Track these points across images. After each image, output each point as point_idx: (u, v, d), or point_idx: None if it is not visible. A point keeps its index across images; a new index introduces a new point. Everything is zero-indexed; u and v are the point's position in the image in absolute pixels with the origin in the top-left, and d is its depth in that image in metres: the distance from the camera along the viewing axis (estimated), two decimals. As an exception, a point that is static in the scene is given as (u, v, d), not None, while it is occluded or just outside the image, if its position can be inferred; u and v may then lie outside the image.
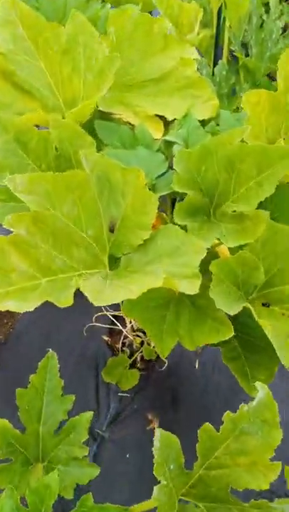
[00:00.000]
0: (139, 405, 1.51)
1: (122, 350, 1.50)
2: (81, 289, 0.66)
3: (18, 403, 0.83)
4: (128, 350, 1.55)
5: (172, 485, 0.71)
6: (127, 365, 1.36)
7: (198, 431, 0.75)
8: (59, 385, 0.85)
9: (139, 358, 1.51)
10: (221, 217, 0.84)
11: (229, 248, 0.84)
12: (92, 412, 0.86)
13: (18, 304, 0.63)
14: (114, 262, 0.88)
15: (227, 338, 0.78)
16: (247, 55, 1.52)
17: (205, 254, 0.73)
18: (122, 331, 1.48)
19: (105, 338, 1.58)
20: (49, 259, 0.72)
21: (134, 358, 1.41)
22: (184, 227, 0.80)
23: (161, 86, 1.11)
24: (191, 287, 0.70)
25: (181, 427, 1.49)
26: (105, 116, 1.06)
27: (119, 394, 1.52)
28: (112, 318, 1.45)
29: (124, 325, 1.45)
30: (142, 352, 1.48)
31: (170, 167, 0.94)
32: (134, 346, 1.50)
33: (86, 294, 0.61)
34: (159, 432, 0.74)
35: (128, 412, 1.51)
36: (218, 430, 0.74)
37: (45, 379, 0.84)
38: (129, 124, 1.07)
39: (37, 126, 0.98)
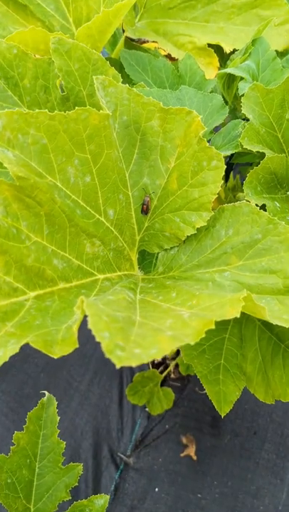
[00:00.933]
0: (171, 425, 1.23)
1: (156, 364, 1.21)
2: (87, 313, 0.35)
3: (-5, 476, 0.54)
4: (159, 359, 1.27)
5: None
6: (159, 381, 1.07)
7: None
8: (59, 447, 0.56)
9: (172, 368, 1.22)
10: None
11: None
12: (108, 497, 0.57)
13: None
14: (145, 260, 0.58)
15: None
16: None
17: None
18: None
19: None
20: (42, 259, 0.43)
21: (167, 371, 1.13)
22: (262, 207, 0.50)
23: (214, 7, 0.78)
24: (284, 314, 0.40)
25: (224, 457, 1.22)
26: (134, 45, 0.75)
27: (148, 409, 1.24)
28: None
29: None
30: (176, 361, 1.19)
31: (232, 115, 0.62)
32: (167, 355, 1.21)
33: (98, 336, 0.31)
34: None
35: (158, 433, 1.23)
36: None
37: (38, 437, 0.55)
38: (170, 58, 0.75)
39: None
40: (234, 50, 0.74)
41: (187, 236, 0.49)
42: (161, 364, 1.28)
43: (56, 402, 0.57)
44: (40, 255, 0.43)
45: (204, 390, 1.08)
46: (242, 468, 1.18)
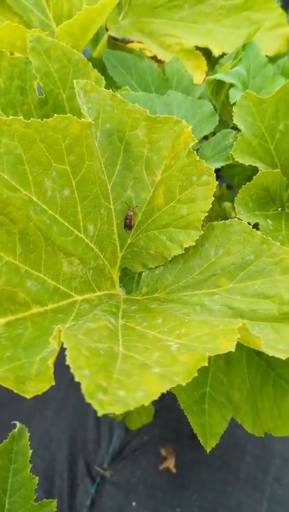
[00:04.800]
0: (150, 437, 1.20)
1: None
2: (66, 346, 0.31)
3: None
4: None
5: None
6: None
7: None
8: (31, 482, 0.51)
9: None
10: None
11: None
12: (54, 501, 0.53)
13: None
14: (132, 278, 0.55)
15: None
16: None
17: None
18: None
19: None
20: (14, 281, 0.39)
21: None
22: (254, 226, 0.46)
23: (202, 7, 0.75)
24: (279, 344, 0.37)
25: (204, 470, 1.19)
26: (118, 46, 0.71)
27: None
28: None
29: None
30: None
31: (220, 123, 0.59)
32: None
33: (77, 374, 0.28)
34: None
35: (136, 445, 1.19)
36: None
37: (8, 472, 0.50)
38: (156, 60, 0.71)
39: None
40: (223, 54, 0.71)
41: (174, 255, 0.46)
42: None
43: (28, 434, 0.53)
44: (12, 277, 0.39)
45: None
46: (222, 482, 1.15)
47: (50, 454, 1.18)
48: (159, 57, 0.70)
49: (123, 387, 0.28)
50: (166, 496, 1.13)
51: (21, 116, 0.39)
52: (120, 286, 0.51)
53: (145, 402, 0.26)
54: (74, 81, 0.42)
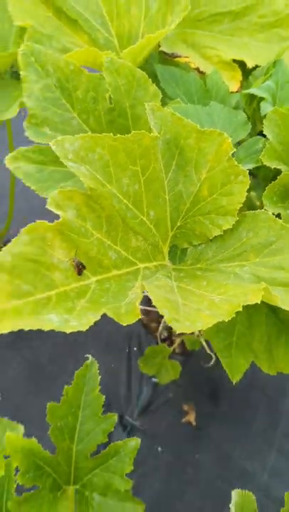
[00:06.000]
0: (174, 394, 1.37)
1: (162, 339, 1.33)
2: (150, 294, 0.47)
3: (49, 419, 0.67)
4: (166, 333, 1.40)
5: None
6: (167, 355, 1.20)
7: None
8: (99, 400, 0.69)
9: (177, 342, 1.35)
10: None
11: None
12: (139, 441, 0.70)
13: (62, 318, 0.45)
14: (176, 254, 0.69)
15: None
16: None
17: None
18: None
19: (140, 316, 1.42)
20: (101, 252, 0.54)
21: (174, 346, 1.25)
22: (277, 216, 0.61)
23: (239, 23, 0.87)
24: (290, 302, 0.52)
25: (220, 424, 1.36)
26: (168, 60, 0.84)
27: (154, 379, 1.37)
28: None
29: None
30: (181, 338, 1.32)
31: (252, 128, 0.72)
32: (174, 332, 1.34)
33: (159, 306, 0.43)
34: (235, 494, 0.58)
35: (162, 400, 1.37)
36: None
37: (82, 392, 0.68)
38: (199, 71, 0.84)
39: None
40: (256, 66, 0.83)
41: (214, 236, 0.60)
42: (167, 339, 1.40)
43: (98, 364, 0.70)
44: (100, 248, 0.54)
45: (208, 364, 1.21)
46: (235, 435, 1.32)
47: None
48: (201, 69, 0.83)
49: (188, 320, 0.43)
50: (186, 444, 1.31)
51: (96, 121, 0.53)
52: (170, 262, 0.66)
53: (203, 327, 0.41)
54: (145, 104, 0.56)
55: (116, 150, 0.53)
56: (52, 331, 0.44)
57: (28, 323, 0.43)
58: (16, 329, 0.41)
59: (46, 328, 0.43)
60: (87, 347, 1.42)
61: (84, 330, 0.44)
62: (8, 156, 0.70)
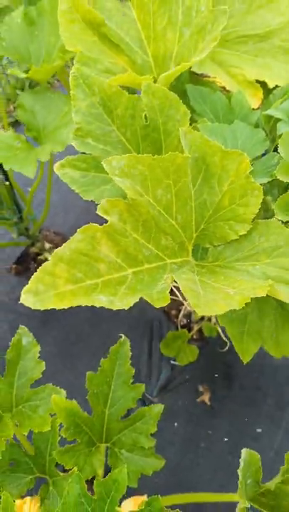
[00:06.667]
0: (191, 376, 1.50)
1: (181, 326, 1.46)
2: (178, 283, 0.60)
3: (88, 386, 0.81)
4: (185, 320, 1.52)
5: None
6: (186, 339, 1.32)
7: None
8: (129, 372, 0.82)
9: (195, 329, 1.47)
10: None
11: None
12: (162, 406, 0.83)
13: (109, 299, 0.58)
14: (198, 252, 0.81)
15: None
16: None
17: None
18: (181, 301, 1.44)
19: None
20: (137, 249, 0.66)
21: (193, 332, 1.38)
22: (287, 223, 0.71)
23: (264, 45, 0.97)
24: (292, 297, 0.63)
25: (232, 405, 1.48)
26: (196, 78, 0.95)
27: (172, 362, 1.50)
28: (172, 287, 1.41)
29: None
30: (200, 325, 1.44)
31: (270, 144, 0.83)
32: (193, 317, 1.46)
33: (186, 294, 0.56)
34: (244, 452, 0.70)
35: (179, 381, 1.50)
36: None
37: (115, 364, 0.81)
38: (224, 89, 0.95)
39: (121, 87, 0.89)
40: (276, 86, 0.93)
41: (232, 239, 0.72)
42: (186, 326, 1.53)
43: (129, 342, 0.83)
44: (136, 246, 0.66)
45: (223, 349, 1.33)
46: (246, 415, 1.45)
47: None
48: (227, 88, 0.93)
49: (207, 306, 0.55)
50: (201, 421, 1.44)
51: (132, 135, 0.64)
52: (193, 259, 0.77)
53: (218, 312, 0.53)
54: (179, 128, 0.67)
55: (153, 167, 0.65)
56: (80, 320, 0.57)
57: (83, 302, 0.56)
58: (74, 305, 0.55)
59: (97, 304, 0.56)
60: (113, 331, 1.55)
61: (126, 308, 0.56)
62: (56, 164, 0.83)
